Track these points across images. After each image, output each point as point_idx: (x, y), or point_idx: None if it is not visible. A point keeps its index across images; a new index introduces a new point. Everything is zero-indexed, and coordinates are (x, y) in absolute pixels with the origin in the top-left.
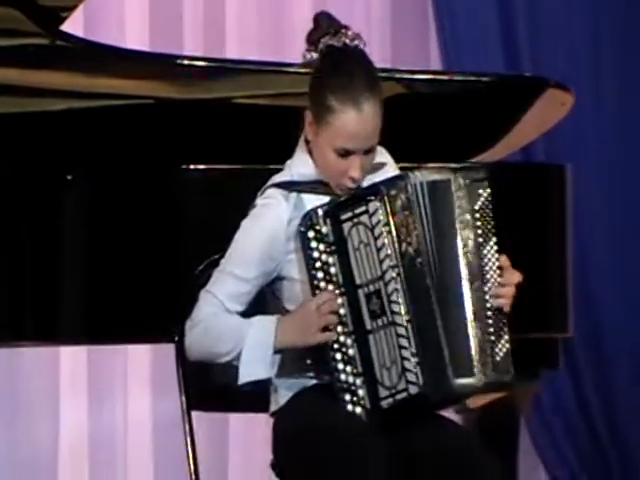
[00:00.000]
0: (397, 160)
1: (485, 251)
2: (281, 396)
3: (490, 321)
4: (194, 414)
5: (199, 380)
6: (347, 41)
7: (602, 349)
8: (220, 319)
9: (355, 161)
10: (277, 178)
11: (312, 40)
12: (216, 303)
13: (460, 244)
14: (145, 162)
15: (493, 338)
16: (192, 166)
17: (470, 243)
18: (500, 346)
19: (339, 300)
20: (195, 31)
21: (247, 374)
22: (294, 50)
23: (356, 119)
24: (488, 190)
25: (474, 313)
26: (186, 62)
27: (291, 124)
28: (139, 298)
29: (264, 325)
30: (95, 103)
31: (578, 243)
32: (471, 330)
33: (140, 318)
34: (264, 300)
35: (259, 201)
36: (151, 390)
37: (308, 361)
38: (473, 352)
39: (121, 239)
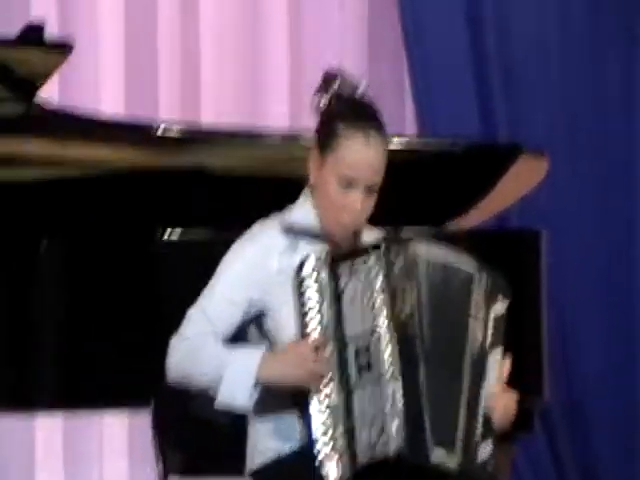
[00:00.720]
0: (371, 223)
1: (490, 356)
2: (257, 457)
3: (479, 416)
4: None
5: (176, 445)
6: (357, 91)
7: (580, 414)
8: (206, 341)
9: (356, 195)
10: (278, 215)
11: (321, 89)
12: (205, 322)
13: (470, 336)
14: (121, 228)
15: (479, 431)
16: (168, 232)
17: (479, 339)
18: (484, 444)
19: (328, 349)
20: (170, 89)
21: (226, 397)
22: (270, 108)
23: (363, 147)
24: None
25: (467, 402)
26: (160, 130)
27: (266, 189)
28: (115, 363)
29: (250, 353)
30: (70, 172)
31: (556, 307)
32: (462, 410)
33: (116, 384)
34: (246, 337)
35: (256, 227)
36: (128, 458)
37: (287, 401)
38: (459, 428)
39: (97, 305)
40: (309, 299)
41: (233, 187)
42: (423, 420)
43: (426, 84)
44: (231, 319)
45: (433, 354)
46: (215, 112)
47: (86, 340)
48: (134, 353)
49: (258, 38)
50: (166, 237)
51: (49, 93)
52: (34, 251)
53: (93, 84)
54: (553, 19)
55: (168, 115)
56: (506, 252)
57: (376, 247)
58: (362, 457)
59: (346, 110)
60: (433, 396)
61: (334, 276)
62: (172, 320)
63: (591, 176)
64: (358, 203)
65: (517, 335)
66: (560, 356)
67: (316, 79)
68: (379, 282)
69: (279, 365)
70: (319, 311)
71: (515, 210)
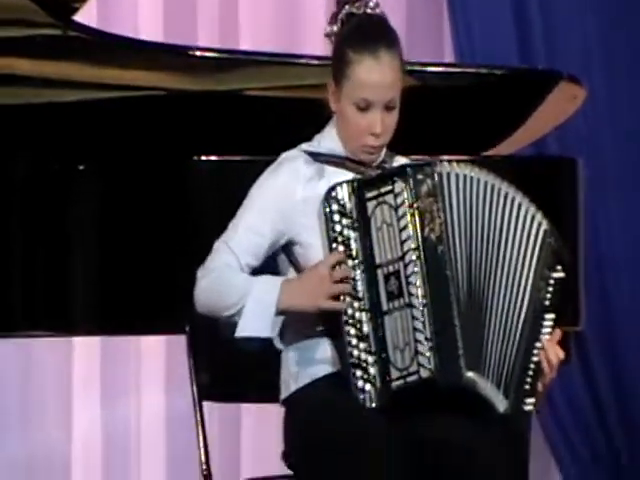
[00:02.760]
0: (408, 152)
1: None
2: (292, 383)
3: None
4: (207, 407)
5: (211, 371)
6: (368, 10)
7: (615, 343)
8: (231, 271)
9: (375, 115)
10: (303, 146)
11: (334, 15)
12: (230, 254)
13: (511, 253)
14: (157, 153)
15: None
16: (204, 157)
17: (538, 270)
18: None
19: (356, 275)
20: (209, 21)
21: (245, 327)
22: (308, 40)
23: (374, 67)
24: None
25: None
26: (198, 53)
27: (303, 115)
28: (150, 289)
29: (269, 283)
30: (106, 94)
31: (592, 237)
32: (498, 336)
33: (151, 309)
34: (278, 269)
35: (281, 157)
36: (164, 385)
37: (319, 328)
38: (493, 355)
39: (133, 230)
40: (337, 226)
41: (269, 112)
42: (456, 343)
43: (465, 23)
44: (257, 249)
45: (468, 274)
46: (253, 42)
47: (122, 264)
48: (169, 278)
49: None
50: (202, 161)
51: (88, 18)
52: (71, 174)
53: (131, 15)
54: None
55: (206, 42)
56: (543, 179)
57: (403, 171)
58: (396, 382)
59: (353, 34)
60: (466, 318)
61: (361, 203)
62: (207, 245)
63: (630, 104)
64: (378, 123)
65: None
66: (597, 286)
67: None
68: (406, 206)
69: (299, 291)
70: (347, 238)
71: (553, 138)
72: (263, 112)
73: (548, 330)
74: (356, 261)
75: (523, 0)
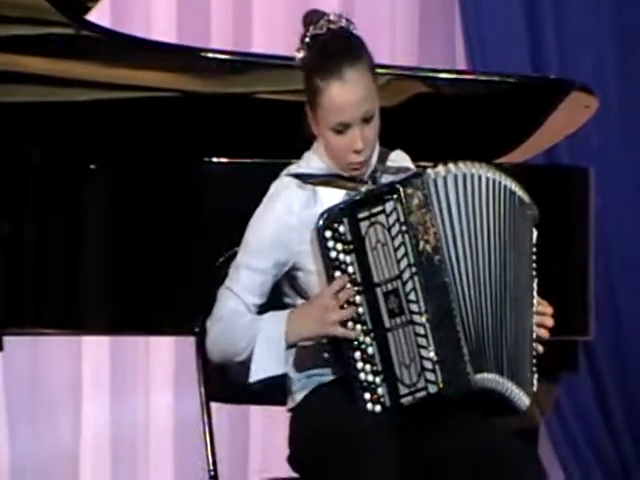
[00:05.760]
0: (418, 159)
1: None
2: (297, 393)
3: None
4: (215, 409)
5: (219, 372)
6: (331, 26)
7: (624, 353)
8: (237, 317)
9: (354, 132)
10: (293, 168)
11: (301, 40)
12: (235, 298)
13: (514, 242)
14: (167, 154)
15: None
16: (214, 159)
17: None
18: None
19: (356, 298)
20: (223, 22)
21: (258, 370)
22: None
23: (341, 89)
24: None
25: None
26: (210, 55)
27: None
28: (160, 289)
29: (275, 319)
30: (119, 94)
31: (602, 246)
32: (510, 334)
33: (161, 310)
34: (281, 294)
35: (272, 188)
36: (173, 385)
37: (325, 355)
38: (504, 354)
39: (143, 230)
40: (332, 253)
41: (280, 115)
42: (461, 351)
43: (478, 31)
44: (261, 287)
45: (473, 272)
46: (266, 44)
47: (132, 264)
48: (179, 279)
49: None
50: (212, 162)
51: (100, 17)
52: (82, 173)
53: (145, 16)
54: None
55: (219, 44)
56: (554, 188)
57: (393, 189)
58: (405, 399)
59: (317, 60)
60: (473, 322)
61: (354, 225)
62: (216, 246)
63: None
64: (358, 140)
65: (563, 273)
66: (606, 296)
67: (365, 21)
68: (398, 225)
69: (306, 321)
70: (344, 262)
71: (565, 148)
72: (274, 115)
73: (537, 298)
74: (355, 284)
75: (536, 9)
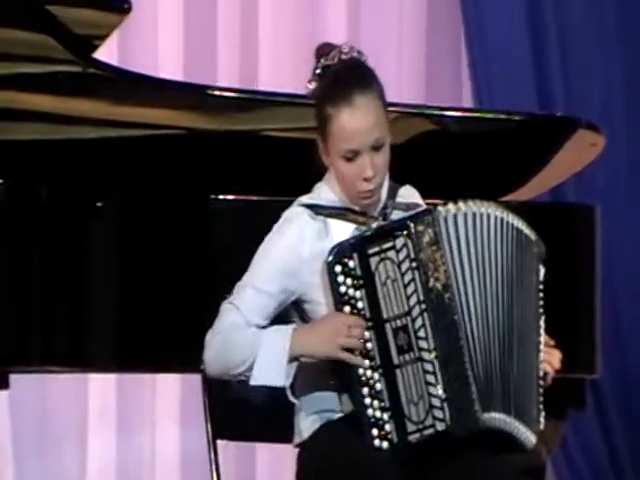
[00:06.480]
0: (425, 197)
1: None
2: (305, 429)
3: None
4: (222, 445)
5: (226, 410)
6: (342, 56)
7: (631, 390)
8: (238, 330)
9: (364, 160)
10: (304, 199)
11: (313, 72)
12: (236, 312)
13: (521, 282)
14: (175, 191)
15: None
16: (221, 196)
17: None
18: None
19: (367, 334)
20: (229, 59)
21: (259, 377)
22: None
23: (352, 115)
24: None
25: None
26: (217, 93)
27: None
28: (167, 326)
29: (280, 331)
30: (126, 132)
31: (609, 284)
32: (516, 374)
33: (167, 346)
34: (287, 316)
35: (284, 216)
36: (179, 421)
37: (331, 382)
38: (511, 394)
39: (150, 267)
40: (341, 287)
41: (287, 153)
42: (469, 388)
43: (485, 71)
44: (265, 310)
45: (482, 311)
46: (272, 81)
47: (138, 301)
48: (185, 315)
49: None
50: (219, 199)
51: (108, 60)
52: (90, 211)
53: (152, 52)
54: None
55: (226, 81)
56: (560, 226)
57: (404, 225)
58: (413, 436)
59: (328, 89)
60: (481, 360)
61: (364, 260)
62: (224, 283)
63: None
64: (368, 167)
65: (569, 312)
66: (612, 333)
67: (372, 60)
68: (408, 262)
69: (313, 338)
70: (353, 297)
71: (571, 186)
72: (281, 152)
73: (544, 336)
74: (364, 319)
75: (543, 46)
